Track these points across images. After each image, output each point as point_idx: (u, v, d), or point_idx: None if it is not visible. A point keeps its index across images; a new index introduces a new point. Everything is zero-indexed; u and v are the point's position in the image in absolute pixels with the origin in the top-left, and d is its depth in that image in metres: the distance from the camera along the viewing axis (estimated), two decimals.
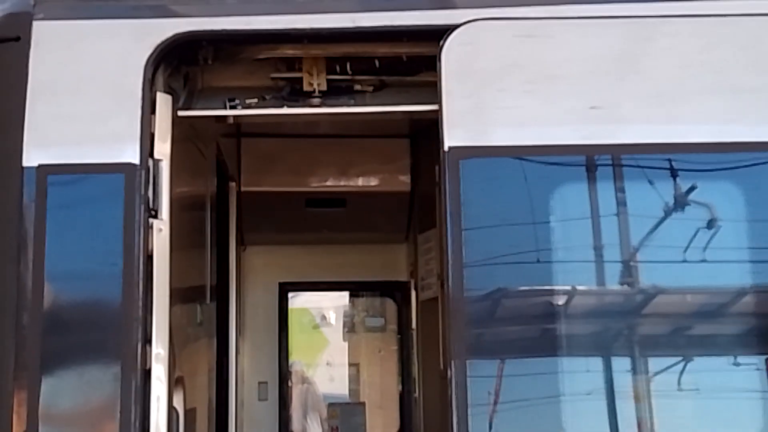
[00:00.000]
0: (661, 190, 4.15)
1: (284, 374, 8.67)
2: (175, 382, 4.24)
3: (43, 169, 4.07)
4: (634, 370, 4.14)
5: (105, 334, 3.97)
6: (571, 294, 4.16)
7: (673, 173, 4.14)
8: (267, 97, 4.54)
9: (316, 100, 4.54)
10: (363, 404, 9.50)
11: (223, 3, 4.33)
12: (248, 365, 8.20)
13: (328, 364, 11.74)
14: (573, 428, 4.02)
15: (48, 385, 3.92)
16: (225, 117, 4.77)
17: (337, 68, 4.55)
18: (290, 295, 8.87)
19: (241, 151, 7.08)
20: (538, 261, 4.11)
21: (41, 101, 4.14)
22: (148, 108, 4.12)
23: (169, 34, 4.19)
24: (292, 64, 4.58)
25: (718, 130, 4.10)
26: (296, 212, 7.53)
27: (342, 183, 7.19)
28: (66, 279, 4.03)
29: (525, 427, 4.03)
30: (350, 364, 10.75)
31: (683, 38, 4.18)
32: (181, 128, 4.37)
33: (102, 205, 4.09)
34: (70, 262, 4.03)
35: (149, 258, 4.02)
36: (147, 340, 3.97)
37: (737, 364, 4.11)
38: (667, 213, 4.16)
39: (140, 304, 3.96)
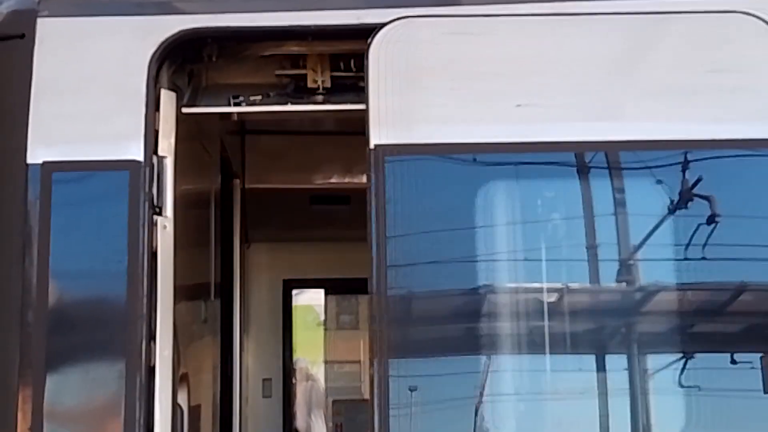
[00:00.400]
0: (584, 187, 4.16)
1: (288, 371, 8.67)
2: (179, 379, 4.24)
3: (48, 166, 4.06)
4: (555, 369, 4.15)
5: (109, 332, 3.96)
6: (494, 293, 4.15)
7: (597, 170, 4.14)
8: (271, 94, 4.53)
9: (320, 97, 4.53)
10: (367, 401, 9.48)
11: (228, 0, 4.33)
12: (252, 362, 8.20)
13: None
14: (493, 427, 4.04)
15: (53, 383, 3.92)
16: (229, 114, 4.76)
17: (342, 65, 4.54)
18: (294, 292, 8.88)
19: (245, 148, 7.07)
20: (463, 260, 4.11)
21: (45, 98, 4.13)
22: (153, 105, 4.11)
23: (174, 31, 4.19)
24: (297, 61, 4.58)
25: (640, 127, 4.08)
26: (301, 209, 7.52)
27: (346, 180, 7.18)
28: (70, 276, 4.03)
29: (445, 426, 4.03)
30: (354, 361, 10.75)
31: (607, 36, 4.17)
32: (185, 125, 4.37)
33: (106, 202, 4.09)
34: (74, 259, 4.03)
35: (153, 255, 4.02)
36: (151, 338, 3.96)
37: (657, 361, 4.14)
38: (590, 210, 4.17)
39: (144, 301, 3.95)
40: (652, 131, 4.07)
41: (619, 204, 4.17)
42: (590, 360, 4.19)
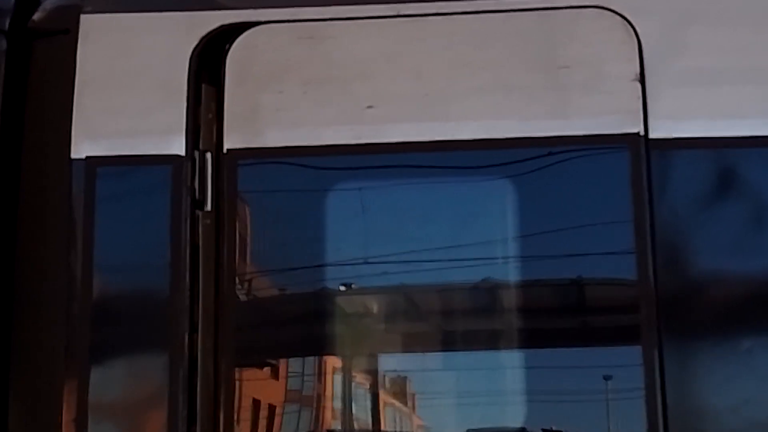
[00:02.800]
0: (437, 187, 4.16)
1: None
2: None
3: (92, 161, 4.11)
4: (402, 370, 4.20)
5: (152, 324, 4.00)
6: (342, 295, 4.17)
7: (448, 170, 4.13)
8: None
9: None
10: None
11: None
12: None
13: None
14: (341, 428, 4.10)
15: (97, 375, 3.97)
16: None
17: None
18: None
19: None
20: (312, 263, 4.13)
21: (89, 93, 4.17)
22: (194, 100, 4.14)
23: (215, 25, 4.21)
24: None
25: (490, 126, 4.06)
26: None
27: None
28: (114, 270, 4.07)
29: (289, 427, 4.10)
30: None
31: (457, 35, 4.14)
32: None
33: (149, 196, 4.12)
34: (117, 253, 4.07)
35: (195, 249, 4.05)
36: (194, 330, 3.99)
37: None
38: (442, 210, 4.17)
39: (187, 294, 3.98)
40: (503, 129, 4.06)
41: (470, 203, 4.18)
42: (446, 360, 4.25)
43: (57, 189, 4.13)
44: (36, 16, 4.37)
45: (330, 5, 4.19)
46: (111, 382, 4.02)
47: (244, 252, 4.08)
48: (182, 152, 4.09)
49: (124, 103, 4.17)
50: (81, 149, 4.12)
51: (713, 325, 3.94)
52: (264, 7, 4.25)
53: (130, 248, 4.09)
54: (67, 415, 3.95)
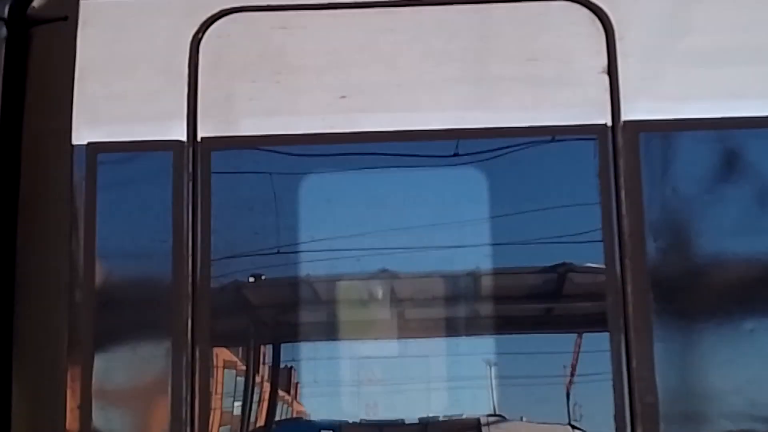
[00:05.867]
0: (408, 176, 4.17)
1: None
2: None
3: (93, 147, 4.10)
4: (384, 356, 4.21)
5: (155, 311, 4.00)
6: (316, 283, 4.20)
7: (420, 159, 4.14)
8: None
9: None
10: None
11: None
12: None
13: None
14: (314, 414, 4.16)
15: (100, 362, 3.97)
16: None
17: None
18: None
19: None
20: (287, 251, 4.14)
21: (89, 80, 4.16)
22: (195, 85, 4.13)
23: (216, 10, 4.20)
24: None
25: (461, 116, 4.08)
26: None
27: None
28: (116, 256, 4.07)
29: (258, 412, 4.13)
30: None
31: (428, 26, 4.16)
32: None
33: (151, 182, 4.12)
34: (120, 239, 4.07)
35: (197, 235, 4.04)
36: (199, 317, 3.99)
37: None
38: (414, 199, 4.19)
39: (189, 280, 3.98)
40: (473, 120, 4.08)
41: (441, 192, 4.20)
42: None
43: (58, 175, 4.12)
44: (35, 3, 4.36)
45: None
46: (114, 368, 4.02)
47: (214, 239, 4.06)
48: (183, 138, 4.08)
49: (124, 88, 4.16)
50: (82, 135, 4.11)
51: (683, 313, 3.96)
52: None
53: (132, 234, 4.08)
54: (71, 402, 3.95)
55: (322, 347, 4.30)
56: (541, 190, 4.16)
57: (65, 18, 4.25)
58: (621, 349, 3.87)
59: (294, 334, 4.26)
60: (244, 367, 4.21)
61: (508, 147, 4.13)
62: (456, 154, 4.16)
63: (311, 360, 4.27)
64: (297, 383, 4.21)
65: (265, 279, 4.19)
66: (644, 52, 4.10)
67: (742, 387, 3.90)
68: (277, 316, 4.31)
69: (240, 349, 4.26)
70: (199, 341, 3.95)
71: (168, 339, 3.95)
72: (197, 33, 4.17)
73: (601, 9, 4.12)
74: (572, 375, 4.04)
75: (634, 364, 3.86)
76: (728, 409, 3.90)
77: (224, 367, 4.08)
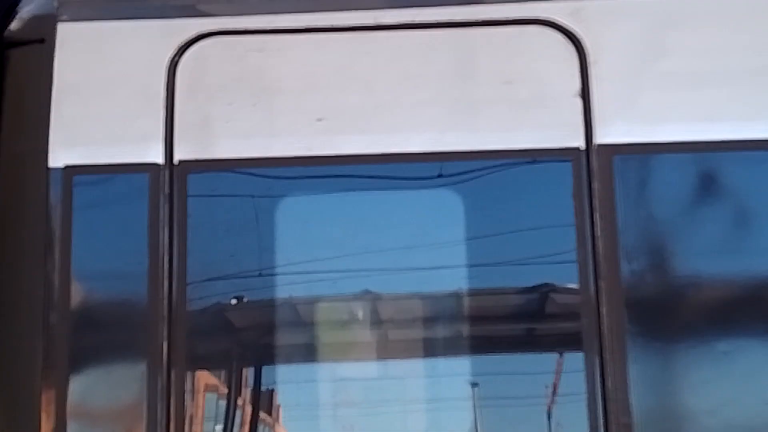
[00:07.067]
0: (385, 198, 4.21)
1: None
2: None
3: (69, 170, 4.10)
4: (366, 377, 4.24)
5: (131, 333, 3.99)
6: (293, 305, 4.21)
7: (395, 182, 4.17)
8: None
9: None
10: None
11: (246, 2, 4.34)
12: None
13: None
14: None
15: (75, 384, 3.96)
16: None
17: None
18: None
19: None
20: (263, 273, 4.16)
21: (66, 102, 4.17)
22: (171, 108, 4.14)
23: (193, 33, 4.21)
24: None
25: (437, 139, 4.10)
26: None
27: None
28: (92, 278, 4.07)
29: None
30: None
31: (403, 49, 4.19)
32: None
33: (127, 204, 4.12)
34: (96, 261, 4.07)
35: (173, 257, 4.04)
36: (172, 338, 3.98)
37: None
38: (392, 221, 4.20)
39: (165, 302, 3.98)
40: (450, 142, 4.11)
41: (418, 215, 4.22)
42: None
43: (35, 197, 4.12)
44: (12, 26, 4.36)
45: (283, 13, 4.23)
46: (89, 391, 4.00)
47: (191, 262, 4.06)
48: (160, 160, 4.09)
49: (101, 111, 4.17)
50: (58, 157, 4.12)
51: (658, 334, 3.98)
52: (243, 14, 4.27)
53: (108, 257, 4.08)
54: (46, 425, 3.93)
55: (299, 370, 4.30)
56: (517, 212, 4.18)
57: (42, 40, 4.26)
58: (596, 369, 3.88)
59: (271, 357, 4.26)
60: (221, 391, 4.22)
61: (484, 169, 4.16)
62: (433, 177, 4.18)
63: (290, 383, 4.27)
64: (278, 406, 4.21)
65: (242, 301, 4.19)
66: (618, 76, 4.14)
67: (716, 408, 3.92)
68: (255, 339, 4.31)
69: (216, 372, 4.27)
70: (174, 364, 3.94)
71: (143, 362, 3.94)
72: (174, 56, 4.18)
73: (574, 33, 4.16)
74: (548, 395, 4.05)
75: (609, 384, 3.86)
76: (703, 431, 3.91)
77: (201, 391, 4.07)
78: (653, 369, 3.93)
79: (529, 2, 4.21)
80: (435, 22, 4.22)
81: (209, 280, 4.09)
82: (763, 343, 4.02)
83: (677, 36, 4.22)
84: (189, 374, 4.02)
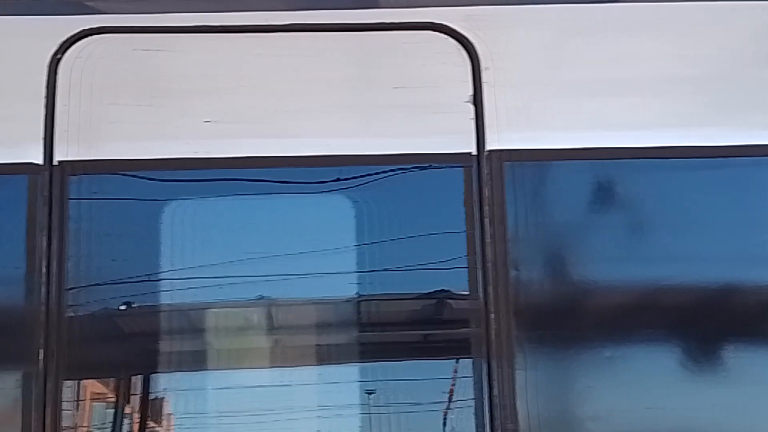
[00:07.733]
0: (275, 203, 4.18)
1: None
2: None
3: None
4: (259, 385, 4.19)
5: (7, 341, 3.88)
6: (177, 311, 4.15)
7: (284, 186, 4.14)
8: None
9: None
10: None
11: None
12: None
13: None
14: None
15: None
16: None
17: None
18: None
19: None
20: (147, 279, 4.09)
21: None
22: (52, 107, 4.03)
23: (76, 30, 4.11)
24: None
25: (331, 144, 4.09)
26: None
27: None
28: None
29: None
30: None
31: (294, 52, 4.16)
32: None
33: (4, 206, 4.00)
34: None
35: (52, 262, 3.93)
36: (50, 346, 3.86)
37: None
38: (283, 226, 4.18)
39: (43, 309, 3.86)
40: (344, 146, 4.09)
41: (306, 220, 4.19)
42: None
43: None
44: None
45: (175, 12, 4.15)
46: None
47: (70, 267, 3.95)
48: (40, 161, 3.97)
49: None
50: None
51: (546, 341, 3.99)
52: (131, 12, 4.17)
53: None
54: None
55: (188, 378, 4.21)
56: (411, 218, 4.15)
57: None
58: (483, 376, 3.87)
59: (157, 365, 4.17)
60: (108, 400, 4.11)
61: (377, 174, 4.12)
62: (325, 181, 4.13)
63: (173, 391, 4.18)
64: (169, 414, 4.13)
65: (125, 308, 4.08)
66: (511, 83, 4.13)
67: (601, 414, 3.93)
68: (140, 346, 4.20)
69: (101, 380, 4.16)
70: (50, 372, 3.82)
71: (19, 370, 3.82)
72: (56, 53, 4.07)
73: (466, 39, 4.14)
74: (441, 402, 4.03)
75: (495, 391, 3.84)
76: None
77: (79, 400, 3.96)
78: (540, 376, 3.92)
79: (422, 7, 4.19)
80: (329, 24, 4.17)
81: (90, 285, 3.97)
82: (646, 350, 4.04)
83: (574, 45, 4.23)
84: (69, 383, 3.91)
